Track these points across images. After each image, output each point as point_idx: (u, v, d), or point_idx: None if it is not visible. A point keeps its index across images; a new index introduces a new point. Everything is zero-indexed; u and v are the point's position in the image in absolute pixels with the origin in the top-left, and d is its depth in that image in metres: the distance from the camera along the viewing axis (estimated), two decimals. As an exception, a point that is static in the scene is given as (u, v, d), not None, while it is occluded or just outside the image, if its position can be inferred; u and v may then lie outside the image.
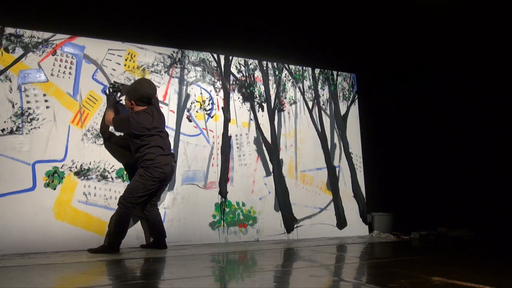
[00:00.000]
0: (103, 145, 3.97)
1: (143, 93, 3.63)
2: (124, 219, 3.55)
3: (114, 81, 4.02)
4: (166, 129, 4.02)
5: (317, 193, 4.99)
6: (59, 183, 3.74)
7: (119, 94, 3.97)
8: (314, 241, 4.48)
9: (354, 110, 5.46)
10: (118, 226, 3.54)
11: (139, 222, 3.99)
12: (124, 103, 3.91)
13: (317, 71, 5.32)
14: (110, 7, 4.26)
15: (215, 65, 4.70)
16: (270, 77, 5.00)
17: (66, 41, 4.00)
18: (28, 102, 3.74)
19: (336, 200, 5.08)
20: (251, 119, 4.78)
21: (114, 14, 4.27)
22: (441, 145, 5.39)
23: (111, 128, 3.94)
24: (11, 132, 3.64)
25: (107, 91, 3.98)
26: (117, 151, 4.00)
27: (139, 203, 3.64)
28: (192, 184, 4.33)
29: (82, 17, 4.12)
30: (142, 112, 3.65)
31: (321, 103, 5.24)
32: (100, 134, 3.95)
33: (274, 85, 5.00)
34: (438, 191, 5.32)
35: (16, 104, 3.69)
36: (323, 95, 5.28)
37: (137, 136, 3.61)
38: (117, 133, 3.98)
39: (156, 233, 3.81)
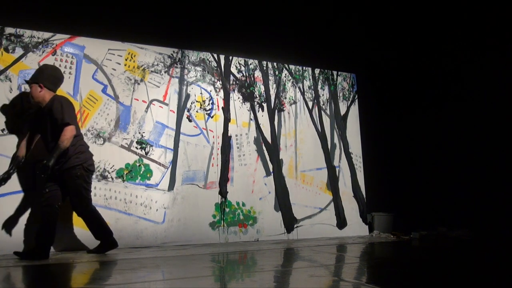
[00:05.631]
0: (103, 145, 3.98)
1: (51, 72, 3.38)
2: (99, 217, 3.45)
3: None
4: (167, 129, 4.02)
5: (317, 193, 4.99)
6: (59, 183, 3.73)
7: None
8: (314, 241, 4.48)
9: (354, 110, 5.46)
10: (101, 224, 3.44)
11: (138, 223, 4.00)
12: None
13: (317, 71, 5.32)
14: (110, 7, 4.26)
15: (215, 65, 4.70)
16: (270, 77, 5.00)
17: (66, 41, 4.00)
18: (28, 102, 3.73)
19: (336, 200, 5.08)
20: (251, 119, 4.78)
21: (114, 14, 4.27)
22: (441, 145, 5.39)
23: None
24: (11, 132, 3.64)
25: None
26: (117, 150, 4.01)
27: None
28: (192, 184, 4.33)
29: (82, 17, 4.12)
30: (66, 97, 3.40)
31: (321, 103, 5.24)
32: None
33: (274, 85, 5.00)
34: (438, 191, 5.31)
35: (16, 104, 3.69)
36: (323, 95, 5.28)
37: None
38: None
39: (100, 232, 3.46)
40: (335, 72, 5.44)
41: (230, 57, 4.80)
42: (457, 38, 5.23)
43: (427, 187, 5.43)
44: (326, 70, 5.38)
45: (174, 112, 4.38)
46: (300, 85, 5.17)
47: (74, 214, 3.73)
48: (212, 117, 4.58)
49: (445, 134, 5.36)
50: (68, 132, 3.21)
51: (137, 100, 4.22)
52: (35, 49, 3.85)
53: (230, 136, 4.62)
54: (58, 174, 3.26)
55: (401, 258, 3.55)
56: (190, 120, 4.45)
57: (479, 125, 4.93)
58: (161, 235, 4.07)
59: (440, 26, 5.34)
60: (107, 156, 3.98)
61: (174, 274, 2.70)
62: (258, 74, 4.94)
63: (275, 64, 5.06)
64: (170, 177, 4.22)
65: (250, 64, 4.92)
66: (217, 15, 4.80)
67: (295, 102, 5.09)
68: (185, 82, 4.50)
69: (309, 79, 5.24)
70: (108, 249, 3.47)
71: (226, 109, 4.66)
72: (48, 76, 3.35)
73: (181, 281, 2.39)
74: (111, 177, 3.96)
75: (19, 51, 3.79)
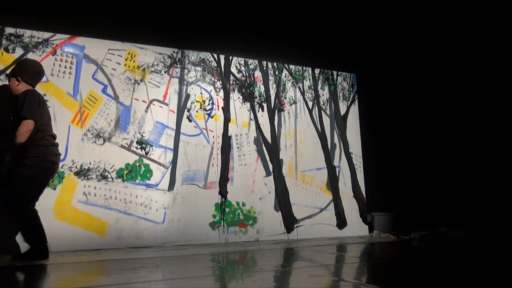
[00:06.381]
0: (103, 145, 3.98)
1: (30, 67, 3.23)
2: (33, 224, 3.04)
3: None
4: (167, 129, 4.01)
5: (317, 193, 4.99)
6: (59, 183, 3.74)
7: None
8: (314, 241, 4.48)
9: (354, 110, 5.46)
10: (33, 232, 3.05)
11: (138, 223, 4.00)
12: None
13: (317, 71, 5.32)
14: (110, 7, 4.26)
15: (215, 65, 4.70)
16: (270, 77, 5.00)
17: (66, 41, 4.00)
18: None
19: (336, 200, 5.08)
20: (251, 119, 4.78)
21: (114, 14, 4.27)
22: (441, 145, 5.39)
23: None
24: (11, 132, 3.63)
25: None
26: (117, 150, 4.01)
27: (35, 202, 3.09)
28: (192, 184, 4.33)
29: (82, 17, 4.12)
30: (35, 92, 3.16)
31: (321, 103, 5.24)
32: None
33: (274, 85, 5.01)
34: (438, 191, 5.31)
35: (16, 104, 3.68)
36: (323, 95, 5.28)
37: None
38: None
39: (37, 239, 3.08)
40: (335, 72, 5.44)
41: (230, 57, 4.80)
42: (457, 38, 5.23)
43: (427, 187, 5.43)
44: (326, 70, 5.38)
45: (174, 112, 4.38)
46: (300, 85, 5.17)
47: (73, 213, 3.74)
48: (212, 117, 4.58)
49: (445, 134, 5.36)
50: (24, 127, 2.97)
51: (137, 100, 4.22)
52: (35, 49, 3.85)
53: (230, 136, 4.62)
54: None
55: (401, 258, 3.55)
56: (190, 120, 4.45)
57: (479, 125, 4.93)
58: (161, 235, 4.07)
59: (440, 26, 5.34)
60: (107, 156, 3.98)
61: (174, 274, 2.70)
62: (258, 74, 4.94)
63: (275, 64, 5.06)
64: (170, 177, 4.22)
65: (250, 64, 4.92)
66: (217, 15, 4.80)
67: (295, 102, 5.09)
68: (185, 82, 4.50)
69: (309, 79, 5.25)
70: (38, 258, 3.02)
71: (226, 109, 4.66)
72: (27, 70, 3.21)
73: (181, 281, 2.39)
74: (111, 177, 3.96)
75: (19, 51, 3.79)
